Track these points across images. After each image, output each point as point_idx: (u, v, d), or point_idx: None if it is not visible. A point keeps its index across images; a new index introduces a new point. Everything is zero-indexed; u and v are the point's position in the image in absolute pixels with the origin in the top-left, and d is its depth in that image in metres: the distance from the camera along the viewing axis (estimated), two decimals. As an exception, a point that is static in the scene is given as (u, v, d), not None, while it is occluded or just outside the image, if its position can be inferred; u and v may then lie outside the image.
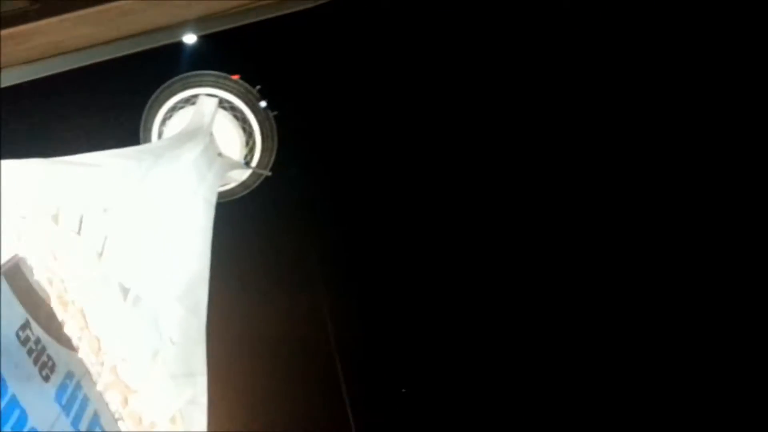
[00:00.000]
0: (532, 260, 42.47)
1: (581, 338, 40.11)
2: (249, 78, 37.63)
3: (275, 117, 38.53)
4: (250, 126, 37.97)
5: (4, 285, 13.22)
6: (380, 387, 40.58)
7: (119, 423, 15.94)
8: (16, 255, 15.24)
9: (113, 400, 16.15)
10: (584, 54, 40.02)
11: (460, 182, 44.11)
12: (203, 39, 27.45)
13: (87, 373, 15.13)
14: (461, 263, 43.43)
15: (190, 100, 36.55)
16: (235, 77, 37.15)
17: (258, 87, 37.89)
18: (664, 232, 39.82)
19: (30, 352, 13.13)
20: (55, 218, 17.70)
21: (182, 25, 23.89)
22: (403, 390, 41.52)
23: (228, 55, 36.98)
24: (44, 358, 13.59)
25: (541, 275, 41.83)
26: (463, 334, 42.01)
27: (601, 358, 39.62)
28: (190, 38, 27.96)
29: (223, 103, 36.86)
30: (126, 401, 16.57)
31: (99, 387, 15.52)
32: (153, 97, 36.55)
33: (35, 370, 13.16)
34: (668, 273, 39.33)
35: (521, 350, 40.90)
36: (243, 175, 38.83)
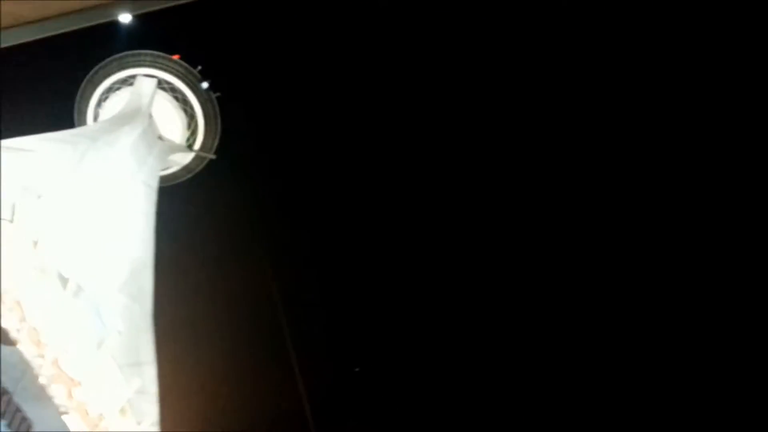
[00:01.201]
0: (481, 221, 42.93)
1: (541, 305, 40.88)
2: (190, 58, 36.45)
3: (218, 98, 37.50)
4: (191, 108, 36.84)
5: None
6: (332, 364, 40.60)
7: (64, 417, 15.35)
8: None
9: (58, 394, 15.53)
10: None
11: (402, 158, 44.15)
12: (141, 18, 26.31)
13: (28, 366, 14.47)
14: (410, 241, 43.67)
15: (127, 81, 35.13)
16: (175, 57, 35.92)
17: (199, 67, 36.74)
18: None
19: None
20: (-14, 206, 16.81)
21: (118, 3, 22.85)
22: (356, 369, 41.74)
23: (167, 34, 35.73)
24: None
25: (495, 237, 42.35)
26: (414, 316, 42.35)
27: (572, 332, 40.42)
28: (125, 17, 26.81)
29: (162, 84, 35.58)
30: (71, 394, 15.96)
31: (42, 380, 14.88)
32: (87, 77, 34.95)
33: None
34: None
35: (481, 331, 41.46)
36: (186, 158, 37.73)
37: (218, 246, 41.04)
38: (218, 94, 37.56)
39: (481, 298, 41.89)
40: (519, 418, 39.02)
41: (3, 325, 15.00)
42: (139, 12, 26.96)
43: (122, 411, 16.73)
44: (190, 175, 38.23)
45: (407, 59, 42.22)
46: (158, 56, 35.53)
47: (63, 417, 15.35)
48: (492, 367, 40.59)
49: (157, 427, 17.87)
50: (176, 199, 36.65)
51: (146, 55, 35.28)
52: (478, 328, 41.22)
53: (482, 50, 41.22)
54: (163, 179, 34.80)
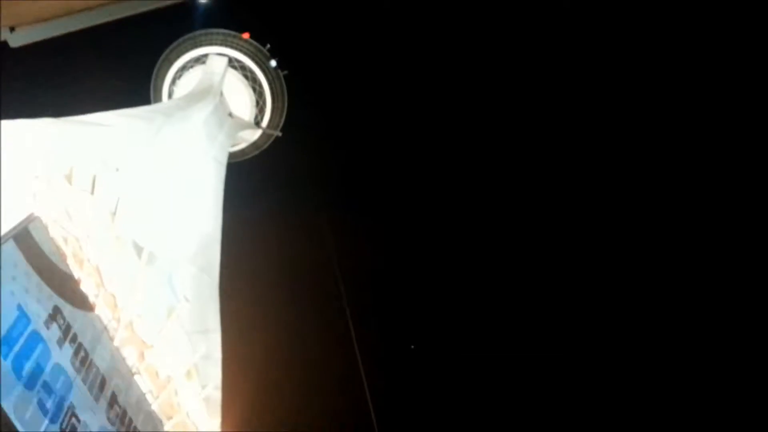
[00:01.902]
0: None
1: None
2: (259, 37, 37.20)
3: (285, 76, 38.16)
4: (260, 86, 37.68)
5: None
6: (388, 334, 41.26)
7: (136, 377, 16.38)
8: (31, 214, 15.47)
9: (130, 355, 16.57)
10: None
11: (469, 146, 44.04)
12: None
13: (104, 329, 15.48)
14: (470, 223, 43.58)
15: (200, 60, 36.26)
16: (245, 36, 36.74)
17: (268, 46, 37.45)
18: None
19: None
20: (69, 178, 17.87)
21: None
22: (412, 346, 42.22)
23: (238, 13, 36.60)
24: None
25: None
26: (467, 289, 42.38)
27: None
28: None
29: (233, 63, 36.53)
30: (142, 356, 17.00)
31: (116, 342, 15.91)
32: (162, 56, 36.30)
33: None
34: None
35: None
36: (254, 135, 38.74)
37: (283, 221, 42.05)
38: (286, 72, 38.21)
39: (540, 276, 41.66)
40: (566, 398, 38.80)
41: (83, 290, 16.08)
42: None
43: (188, 374, 17.66)
44: (257, 152, 39.23)
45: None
46: (229, 35, 36.44)
47: (135, 378, 16.40)
48: (544, 347, 40.35)
49: (219, 391, 18.77)
50: (244, 174, 37.76)
51: (218, 34, 36.24)
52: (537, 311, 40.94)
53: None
54: (232, 155, 35.90)
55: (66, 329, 13.89)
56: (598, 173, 41.37)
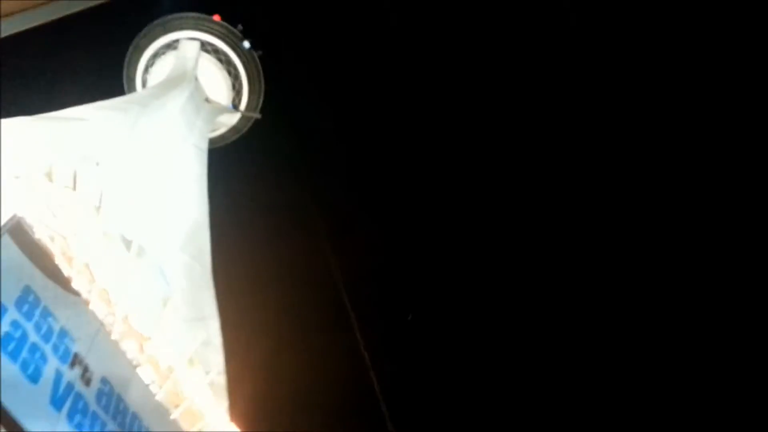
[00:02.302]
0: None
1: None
2: (230, 18, 36.52)
3: (260, 57, 37.60)
4: (235, 68, 37.10)
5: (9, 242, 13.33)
6: (387, 316, 41.42)
7: (138, 369, 16.38)
8: (15, 215, 15.25)
9: (130, 348, 16.55)
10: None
11: (457, 123, 43.78)
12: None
13: (101, 324, 15.42)
14: (466, 209, 43.55)
15: (172, 46, 35.58)
16: (216, 18, 36.07)
17: (240, 27, 36.79)
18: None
19: None
20: (49, 175, 17.58)
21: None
22: (409, 317, 42.47)
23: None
24: None
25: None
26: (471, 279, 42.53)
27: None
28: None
29: (205, 46, 35.90)
30: (142, 348, 16.97)
31: (114, 336, 15.87)
32: (133, 44, 35.54)
33: None
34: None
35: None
36: (232, 119, 38.28)
37: (269, 203, 41.81)
38: (260, 52, 37.65)
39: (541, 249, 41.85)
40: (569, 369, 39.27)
41: (75, 287, 15.95)
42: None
43: (190, 362, 17.68)
44: (237, 136, 38.84)
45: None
46: (200, 18, 35.74)
47: (137, 370, 16.40)
48: (546, 316, 40.70)
49: (223, 376, 18.84)
50: (226, 158, 37.39)
51: (188, 18, 35.53)
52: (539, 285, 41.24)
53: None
54: (212, 141, 35.50)
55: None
56: (603, 172, 41.41)
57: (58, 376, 13.18)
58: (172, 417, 16.70)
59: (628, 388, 38.01)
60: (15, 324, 12.58)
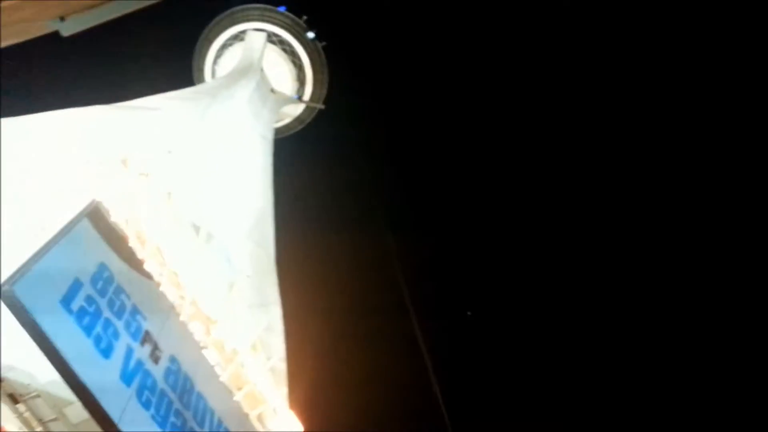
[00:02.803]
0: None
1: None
2: (295, 9, 36.95)
3: (324, 48, 37.87)
4: (299, 59, 37.54)
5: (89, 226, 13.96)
6: (446, 311, 41.36)
7: (204, 351, 16.85)
8: (93, 200, 15.92)
9: (197, 330, 17.04)
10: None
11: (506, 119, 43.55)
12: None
13: (171, 306, 15.94)
14: (521, 202, 43.19)
15: (239, 37, 36.32)
16: (282, 9, 36.55)
17: (305, 18, 37.16)
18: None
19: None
20: (124, 162, 18.26)
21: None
22: (469, 313, 42.21)
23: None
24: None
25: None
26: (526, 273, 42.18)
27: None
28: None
29: (271, 38, 36.45)
30: (208, 331, 17.43)
31: (183, 318, 16.36)
32: (202, 35, 36.51)
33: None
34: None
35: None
36: (297, 109, 38.79)
37: (331, 194, 42.30)
38: (324, 43, 37.90)
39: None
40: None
41: (147, 269, 16.55)
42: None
43: (253, 347, 18.04)
44: (302, 126, 39.31)
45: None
46: (266, 9, 36.29)
47: (203, 352, 16.88)
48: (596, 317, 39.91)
49: (284, 363, 19.16)
50: (290, 149, 37.95)
51: (254, 9, 36.15)
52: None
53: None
54: (277, 131, 36.09)
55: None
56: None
57: (129, 352, 13.76)
58: (234, 398, 17.11)
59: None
60: (89, 299, 13.22)
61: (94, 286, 13.50)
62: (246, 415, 17.33)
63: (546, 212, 43.01)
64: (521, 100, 43.37)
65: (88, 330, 12.95)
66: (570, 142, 42.21)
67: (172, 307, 15.94)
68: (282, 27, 36.65)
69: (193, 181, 20.92)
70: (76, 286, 12.98)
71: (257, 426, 17.51)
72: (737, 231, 37.86)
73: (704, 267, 38.56)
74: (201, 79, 36.66)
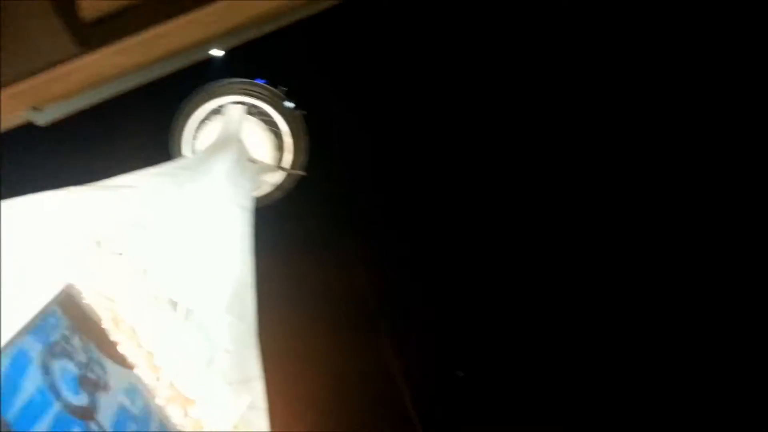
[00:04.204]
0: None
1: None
2: (273, 80, 37.74)
3: (304, 116, 38.48)
4: (278, 128, 38.06)
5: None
6: (435, 370, 40.65)
7: (183, 434, 16.23)
8: (68, 284, 15.65)
9: (174, 413, 16.45)
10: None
11: (487, 182, 44.14)
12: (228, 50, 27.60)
13: (146, 388, 15.44)
14: (502, 262, 43.27)
15: (218, 111, 36.86)
16: (260, 82, 37.30)
17: (283, 88, 37.92)
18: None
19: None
20: (98, 242, 18.10)
21: (212, 40, 23.97)
22: (460, 374, 41.42)
23: (249, 61, 37.22)
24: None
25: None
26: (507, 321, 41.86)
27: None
28: (217, 52, 28.16)
29: (250, 109, 37.03)
30: (187, 413, 16.85)
31: (159, 401, 15.82)
32: (180, 111, 37.00)
33: None
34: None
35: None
36: (277, 177, 39.00)
37: (316, 259, 42.02)
38: (304, 112, 38.55)
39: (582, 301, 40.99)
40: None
41: (121, 351, 16.11)
42: (233, 45, 28.13)
43: (235, 426, 17.42)
44: (283, 194, 39.42)
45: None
46: (244, 82, 37.02)
47: (182, 434, 16.24)
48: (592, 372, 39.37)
49: (268, 441, 18.49)
50: (272, 217, 37.92)
51: (233, 83, 36.87)
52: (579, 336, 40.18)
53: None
54: (258, 200, 36.13)
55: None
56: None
57: None
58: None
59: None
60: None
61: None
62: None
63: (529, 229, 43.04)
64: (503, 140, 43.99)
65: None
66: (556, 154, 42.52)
67: (147, 389, 15.43)
68: (260, 99, 37.31)
69: (169, 256, 20.71)
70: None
71: None
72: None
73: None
74: (179, 155, 36.92)
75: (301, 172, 39.25)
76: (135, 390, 15.52)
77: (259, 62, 38.63)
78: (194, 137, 36.98)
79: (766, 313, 35.32)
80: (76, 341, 13.78)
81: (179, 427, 16.29)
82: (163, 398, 16.07)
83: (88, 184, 20.62)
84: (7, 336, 12.88)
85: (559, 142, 41.87)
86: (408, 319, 40.98)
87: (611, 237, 40.94)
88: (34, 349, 12.84)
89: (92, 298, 16.94)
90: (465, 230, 43.94)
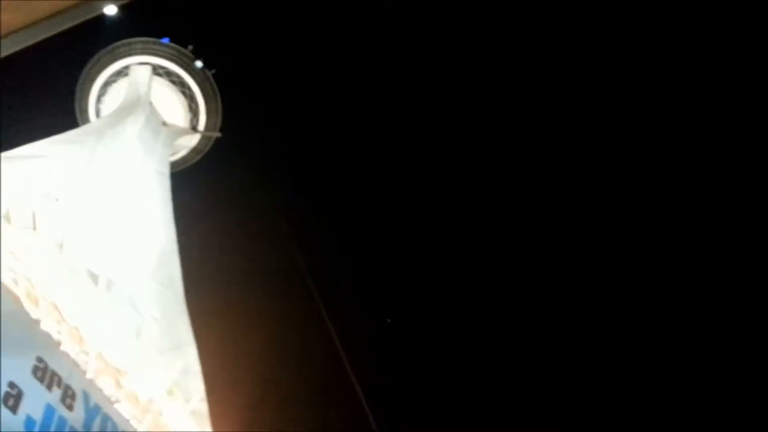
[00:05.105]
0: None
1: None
2: (179, 39, 36.14)
3: (214, 75, 37.23)
4: (189, 89, 36.68)
5: None
6: (365, 320, 41.41)
7: (116, 405, 16.11)
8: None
9: (106, 385, 16.27)
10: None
11: (400, 123, 44.21)
12: (123, 7, 26.05)
13: (74, 364, 15.14)
14: (425, 207, 43.86)
15: (122, 72, 35.08)
16: (165, 40, 35.66)
17: (190, 47, 36.41)
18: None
19: None
20: (7, 217, 17.25)
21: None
22: (389, 320, 42.59)
23: (152, 19, 35.41)
24: None
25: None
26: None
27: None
28: (111, 9, 26.53)
29: (157, 70, 35.45)
30: (119, 384, 16.70)
31: (89, 375, 15.58)
32: (83, 75, 34.92)
33: None
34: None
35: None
36: (192, 140, 37.87)
37: (237, 222, 41.56)
38: (214, 71, 37.27)
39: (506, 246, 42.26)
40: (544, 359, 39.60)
41: (44, 329, 15.64)
42: (124, 2, 26.69)
43: (170, 392, 17.46)
44: (199, 156, 38.41)
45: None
46: (148, 42, 35.27)
47: (115, 406, 16.12)
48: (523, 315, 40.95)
49: (205, 403, 18.63)
50: (190, 181, 37.00)
51: (136, 43, 35.05)
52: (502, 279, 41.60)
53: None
54: (174, 164, 35.10)
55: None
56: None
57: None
58: (156, 449, 16.48)
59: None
60: None
61: None
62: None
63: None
64: (430, 106, 44.09)
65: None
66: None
67: (75, 365, 15.13)
68: (167, 58, 35.73)
69: (86, 227, 20.01)
70: None
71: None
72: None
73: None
74: (85, 120, 35.06)
75: (216, 134, 38.25)
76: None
77: (162, 21, 36.86)
78: (99, 101, 35.17)
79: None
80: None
81: (112, 399, 16.15)
82: (92, 371, 15.83)
83: (-11, 156, 19.42)
84: None
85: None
86: (337, 273, 41.39)
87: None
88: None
89: (6, 277, 16.28)
90: (390, 178, 44.23)
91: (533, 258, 41.91)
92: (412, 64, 43.05)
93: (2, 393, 12.02)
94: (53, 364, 13.90)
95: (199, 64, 36.39)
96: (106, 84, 34.96)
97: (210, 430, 18.42)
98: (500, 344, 39.81)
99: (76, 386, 14.25)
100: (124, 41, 34.80)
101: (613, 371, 38.39)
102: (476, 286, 41.96)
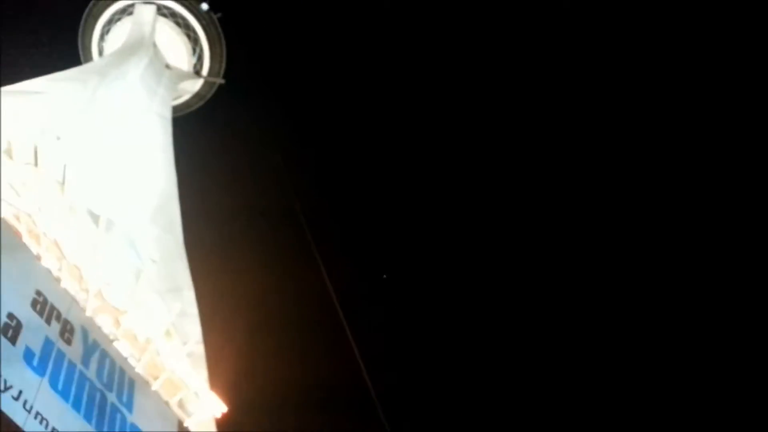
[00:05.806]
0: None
1: None
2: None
3: (219, 19, 36.51)
4: (194, 32, 36.06)
5: None
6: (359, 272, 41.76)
7: (115, 344, 16.33)
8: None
9: (105, 323, 16.47)
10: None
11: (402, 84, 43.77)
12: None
13: (73, 301, 15.27)
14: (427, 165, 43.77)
15: (127, 11, 34.38)
16: None
17: (197, -12, 35.64)
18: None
19: None
20: (8, 152, 17.12)
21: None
22: (384, 276, 42.96)
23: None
24: None
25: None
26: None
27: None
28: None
29: (162, 10, 34.73)
30: (118, 322, 16.90)
31: (88, 312, 15.74)
32: (86, 11, 34.26)
33: None
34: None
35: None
36: (195, 85, 37.41)
37: (237, 167, 41.46)
38: (219, 14, 36.53)
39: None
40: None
41: (44, 265, 15.73)
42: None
43: (167, 333, 17.66)
44: (202, 102, 38.02)
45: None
46: (153, -20, 34.48)
47: (113, 344, 16.34)
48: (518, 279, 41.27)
49: (201, 345, 18.87)
50: (192, 126, 36.75)
51: (141, -20, 34.27)
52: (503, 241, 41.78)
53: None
54: (176, 108, 34.75)
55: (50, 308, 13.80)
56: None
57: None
58: (153, 388, 16.73)
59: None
60: None
61: None
62: (166, 403, 17.02)
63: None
64: (423, 72, 43.71)
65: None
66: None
67: (74, 302, 15.27)
68: (173, -1, 35.02)
69: (86, 167, 19.90)
70: None
71: (178, 412, 17.26)
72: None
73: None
74: (88, 59, 34.54)
75: (219, 80, 37.77)
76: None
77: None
78: (102, 39, 34.58)
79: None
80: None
81: (111, 337, 16.37)
82: (91, 309, 15.99)
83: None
84: None
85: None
86: (335, 225, 41.58)
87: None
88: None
89: (7, 212, 16.29)
90: (394, 134, 44.10)
91: (532, 218, 42.19)
92: (409, 18, 42.47)
93: (1, 323, 12.14)
94: (52, 299, 14.03)
95: (204, 6, 35.68)
96: (110, 22, 34.33)
97: (205, 372, 18.70)
98: (491, 304, 40.32)
99: (75, 322, 14.41)
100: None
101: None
102: (476, 250, 42.24)
